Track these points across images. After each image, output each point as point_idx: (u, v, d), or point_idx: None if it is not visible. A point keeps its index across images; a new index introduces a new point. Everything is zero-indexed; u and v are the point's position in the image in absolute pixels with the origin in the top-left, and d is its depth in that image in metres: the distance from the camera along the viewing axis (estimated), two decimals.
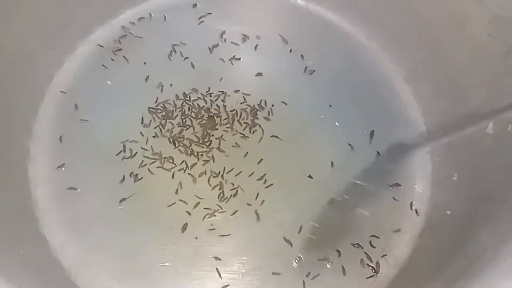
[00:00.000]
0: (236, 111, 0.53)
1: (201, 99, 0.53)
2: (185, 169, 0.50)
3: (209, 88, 0.54)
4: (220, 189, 0.49)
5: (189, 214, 0.48)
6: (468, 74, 0.49)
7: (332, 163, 0.51)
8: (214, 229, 0.48)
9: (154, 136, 0.51)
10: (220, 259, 0.46)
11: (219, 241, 0.47)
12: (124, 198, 0.48)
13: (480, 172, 0.46)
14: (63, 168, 0.50)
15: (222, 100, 0.54)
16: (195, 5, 0.59)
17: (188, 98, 0.54)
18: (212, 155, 0.51)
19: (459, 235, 0.43)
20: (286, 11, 0.60)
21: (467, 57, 0.49)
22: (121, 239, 0.47)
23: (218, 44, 0.57)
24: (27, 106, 0.51)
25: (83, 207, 0.48)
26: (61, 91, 0.53)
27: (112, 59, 0.55)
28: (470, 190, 0.46)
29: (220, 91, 0.54)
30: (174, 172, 0.50)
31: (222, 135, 0.52)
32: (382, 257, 0.47)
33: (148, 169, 0.50)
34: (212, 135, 0.52)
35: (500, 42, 0.45)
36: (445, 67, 0.51)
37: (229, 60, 0.56)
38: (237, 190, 0.49)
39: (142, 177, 0.49)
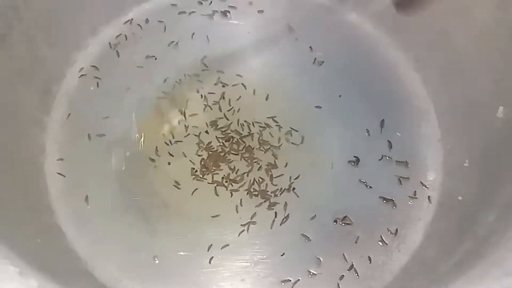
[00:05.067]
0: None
1: (211, 93, 0.54)
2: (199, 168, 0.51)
3: (218, 78, 0.55)
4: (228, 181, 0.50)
5: (201, 205, 0.49)
6: (475, 59, 0.48)
7: (342, 153, 0.51)
8: (226, 219, 0.48)
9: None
10: (232, 248, 0.47)
11: (231, 231, 0.48)
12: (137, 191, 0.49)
13: (491, 156, 0.45)
14: (77, 163, 0.51)
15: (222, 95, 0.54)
16: (200, 3, 0.60)
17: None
18: (222, 148, 0.52)
19: (470, 219, 0.43)
20: (294, 3, 0.60)
21: (474, 42, 0.48)
22: (135, 229, 0.48)
23: (225, 36, 0.58)
24: (40, 104, 0.53)
25: (98, 199, 0.49)
26: (73, 88, 0.55)
27: (122, 57, 0.57)
28: (481, 175, 0.46)
29: (224, 83, 0.55)
30: (185, 164, 0.51)
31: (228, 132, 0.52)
32: (394, 245, 0.47)
33: (154, 163, 0.51)
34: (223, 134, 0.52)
35: (506, 25, 0.44)
36: (453, 53, 0.51)
37: (237, 51, 0.57)
38: (251, 182, 0.50)
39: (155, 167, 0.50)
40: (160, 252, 0.47)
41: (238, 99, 0.54)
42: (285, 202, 0.49)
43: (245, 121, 0.53)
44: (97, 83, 0.55)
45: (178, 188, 0.49)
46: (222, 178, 0.50)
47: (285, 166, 0.51)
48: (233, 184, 0.50)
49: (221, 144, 0.51)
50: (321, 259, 0.47)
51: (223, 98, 0.54)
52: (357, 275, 0.46)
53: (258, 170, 0.50)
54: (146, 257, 0.47)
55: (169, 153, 0.51)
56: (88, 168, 0.51)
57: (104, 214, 0.49)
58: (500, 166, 0.43)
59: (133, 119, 0.53)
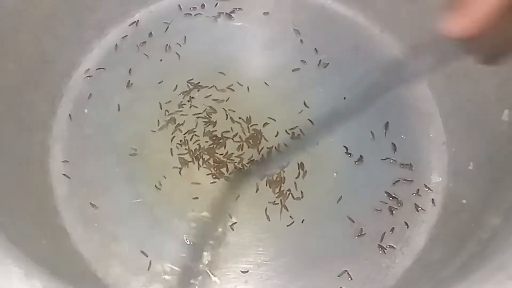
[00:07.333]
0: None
1: (215, 100, 0.55)
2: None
3: (222, 80, 0.55)
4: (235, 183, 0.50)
5: (205, 206, 0.49)
6: None
7: (346, 156, 0.51)
8: (230, 220, 0.48)
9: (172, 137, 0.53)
10: (235, 249, 0.47)
11: (235, 233, 0.48)
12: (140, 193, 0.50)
13: (496, 159, 0.45)
14: (82, 165, 0.51)
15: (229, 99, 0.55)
16: (205, 5, 0.60)
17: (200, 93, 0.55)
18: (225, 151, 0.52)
19: (474, 223, 0.43)
20: (300, 5, 0.60)
21: None
22: (140, 231, 0.48)
23: (230, 38, 0.58)
24: (46, 105, 0.53)
25: (103, 200, 0.49)
26: (78, 90, 0.55)
27: (127, 59, 0.57)
28: (486, 179, 0.46)
29: (228, 85, 0.55)
30: (187, 168, 0.51)
31: (236, 134, 0.53)
32: (398, 247, 0.47)
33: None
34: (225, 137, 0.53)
35: None
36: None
37: (241, 53, 0.57)
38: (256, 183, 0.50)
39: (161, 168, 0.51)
40: (164, 254, 0.47)
41: (242, 100, 0.54)
42: (284, 205, 0.49)
43: (247, 120, 0.53)
44: (103, 84, 0.55)
45: (184, 189, 0.50)
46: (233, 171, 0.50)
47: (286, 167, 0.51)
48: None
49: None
50: (322, 261, 0.47)
51: (227, 100, 0.54)
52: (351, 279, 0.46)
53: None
54: (150, 258, 0.47)
55: (176, 154, 0.51)
56: (94, 169, 0.51)
57: (110, 215, 0.49)
58: (505, 169, 0.43)
59: (138, 120, 0.53)
